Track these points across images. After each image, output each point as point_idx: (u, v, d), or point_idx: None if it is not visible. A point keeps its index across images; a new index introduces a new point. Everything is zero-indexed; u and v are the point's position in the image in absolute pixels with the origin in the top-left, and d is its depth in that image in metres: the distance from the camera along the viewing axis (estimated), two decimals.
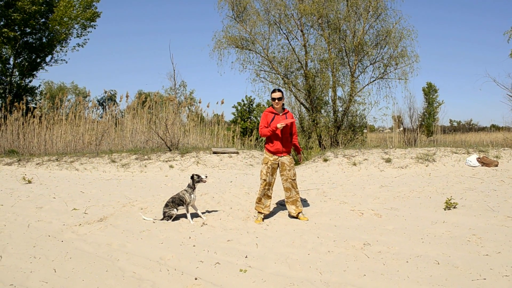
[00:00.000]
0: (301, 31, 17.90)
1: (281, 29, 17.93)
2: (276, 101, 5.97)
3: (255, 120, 24.57)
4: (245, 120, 23.59)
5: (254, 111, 24.97)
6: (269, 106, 6.23)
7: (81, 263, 4.33)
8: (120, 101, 18.66)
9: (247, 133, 21.14)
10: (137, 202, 7.30)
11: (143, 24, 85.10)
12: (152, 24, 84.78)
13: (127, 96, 17.66)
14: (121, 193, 8.46)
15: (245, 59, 18.20)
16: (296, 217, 6.09)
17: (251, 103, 24.98)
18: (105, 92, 22.18)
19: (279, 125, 5.79)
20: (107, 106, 18.11)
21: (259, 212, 6.12)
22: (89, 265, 4.27)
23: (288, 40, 17.91)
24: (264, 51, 17.97)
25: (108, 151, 14.23)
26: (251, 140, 18.73)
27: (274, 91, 6.02)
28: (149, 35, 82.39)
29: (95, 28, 23.47)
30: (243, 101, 25.14)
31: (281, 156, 6.04)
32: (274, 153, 6.01)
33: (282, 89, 6.38)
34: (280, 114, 6.05)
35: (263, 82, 18.26)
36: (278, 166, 6.08)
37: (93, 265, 4.27)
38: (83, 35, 23.52)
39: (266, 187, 6.06)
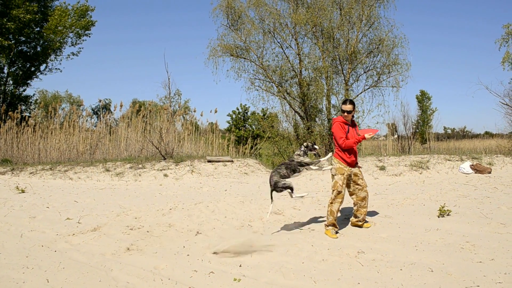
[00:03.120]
0: (295, 39, 18.02)
1: (276, 38, 18.06)
2: (346, 114, 5.60)
3: (250, 128, 24.59)
4: (240, 128, 23.60)
5: (249, 120, 25.00)
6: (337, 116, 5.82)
7: (74, 273, 4.31)
8: (114, 110, 18.63)
9: (242, 142, 21.15)
10: (131, 212, 7.27)
11: (137, 33, 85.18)
12: (146, 32, 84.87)
13: (121, 106, 17.65)
14: (115, 202, 8.43)
15: (240, 68, 18.28)
16: (361, 226, 5.94)
17: (246, 111, 25.02)
18: (99, 101, 22.12)
19: (367, 135, 5.51)
20: (101, 115, 18.05)
21: (334, 226, 5.66)
22: (82, 275, 4.25)
23: (283, 48, 18.04)
24: (259, 59, 18.06)
25: (102, 160, 14.19)
26: (245, 149, 18.74)
27: (345, 102, 5.65)
28: (144, 44, 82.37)
29: (89, 36, 23.48)
30: (238, 109, 25.21)
31: (354, 167, 5.79)
32: (350, 164, 5.66)
33: (353, 101, 6.00)
34: (351, 125, 5.73)
35: (257, 90, 18.33)
36: (350, 177, 5.78)
37: (86, 275, 4.25)
38: (78, 43, 23.48)
39: (342, 199, 5.67)
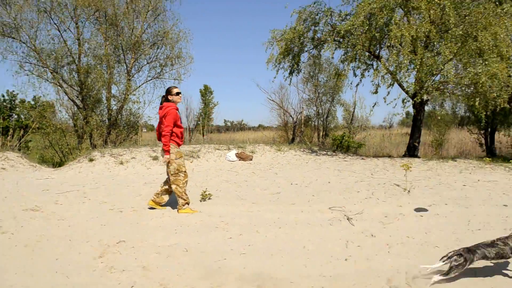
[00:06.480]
0: (76, 23, 16.56)
1: (52, 19, 16.17)
2: (180, 95, 6.09)
3: (18, 118, 21.60)
4: (5, 118, 20.49)
5: (17, 108, 21.91)
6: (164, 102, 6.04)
7: None
8: None
9: (7, 133, 18.39)
10: None
11: None
12: None
13: None
14: None
15: (6, 48, 15.83)
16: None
17: (14, 98, 21.85)
18: None
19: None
20: None
21: (188, 203, 6.14)
22: None
23: (60, 31, 16.30)
24: (31, 41, 15.91)
25: None
26: (9, 141, 16.33)
27: (176, 87, 6.05)
28: None
29: None
30: (3, 96, 21.79)
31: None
32: (180, 145, 6.12)
33: None
34: None
35: (28, 75, 16.20)
36: None
37: None
38: None
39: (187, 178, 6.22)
